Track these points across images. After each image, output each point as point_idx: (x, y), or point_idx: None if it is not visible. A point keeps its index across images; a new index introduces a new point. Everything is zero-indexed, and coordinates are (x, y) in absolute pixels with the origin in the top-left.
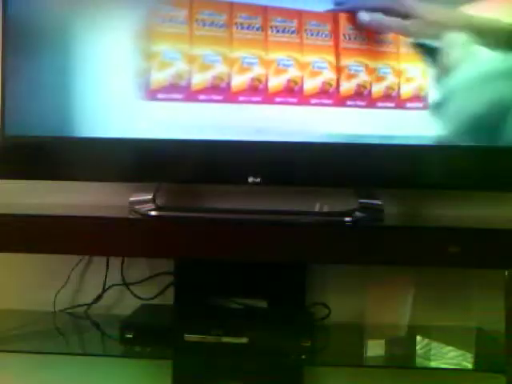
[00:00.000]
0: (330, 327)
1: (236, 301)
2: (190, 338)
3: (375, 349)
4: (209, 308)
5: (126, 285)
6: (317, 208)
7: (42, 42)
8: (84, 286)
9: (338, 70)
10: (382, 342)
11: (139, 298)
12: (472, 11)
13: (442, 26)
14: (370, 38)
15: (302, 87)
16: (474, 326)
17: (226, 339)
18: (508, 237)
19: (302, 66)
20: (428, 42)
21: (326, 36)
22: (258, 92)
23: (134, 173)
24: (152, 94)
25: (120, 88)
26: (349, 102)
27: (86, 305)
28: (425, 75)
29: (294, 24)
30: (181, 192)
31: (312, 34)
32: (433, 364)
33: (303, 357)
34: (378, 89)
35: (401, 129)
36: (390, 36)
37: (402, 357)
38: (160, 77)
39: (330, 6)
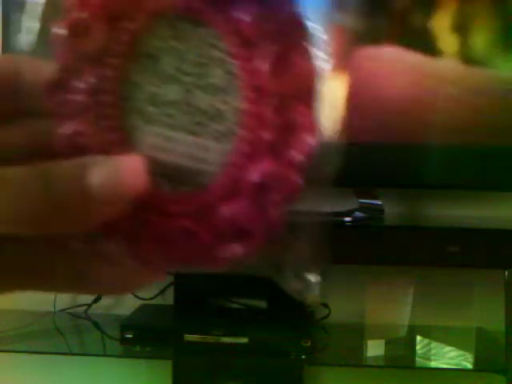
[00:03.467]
0: (330, 327)
1: (236, 301)
2: (190, 337)
3: (375, 349)
4: (209, 308)
5: None
6: None
7: None
8: None
9: None
10: (382, 342)
11: (139, 298)
12: None
13: None
14: None
15: None
16: (473, 325)
17: (225, 339)
18: (508, 237)
19: None
20: None
21: None
22: None
23: None
24: None
25: None
26: None
27: (85, 305)
28: None
29: None
30: None
31: None
32: (433, 364)
33: (303, 357)
34: None
35: None
36: None
37: (402, 357)
38: None
39: None
